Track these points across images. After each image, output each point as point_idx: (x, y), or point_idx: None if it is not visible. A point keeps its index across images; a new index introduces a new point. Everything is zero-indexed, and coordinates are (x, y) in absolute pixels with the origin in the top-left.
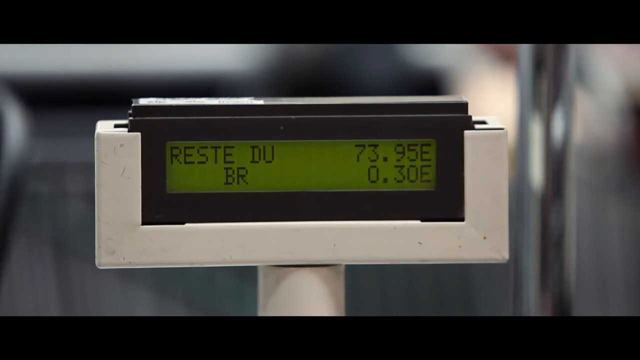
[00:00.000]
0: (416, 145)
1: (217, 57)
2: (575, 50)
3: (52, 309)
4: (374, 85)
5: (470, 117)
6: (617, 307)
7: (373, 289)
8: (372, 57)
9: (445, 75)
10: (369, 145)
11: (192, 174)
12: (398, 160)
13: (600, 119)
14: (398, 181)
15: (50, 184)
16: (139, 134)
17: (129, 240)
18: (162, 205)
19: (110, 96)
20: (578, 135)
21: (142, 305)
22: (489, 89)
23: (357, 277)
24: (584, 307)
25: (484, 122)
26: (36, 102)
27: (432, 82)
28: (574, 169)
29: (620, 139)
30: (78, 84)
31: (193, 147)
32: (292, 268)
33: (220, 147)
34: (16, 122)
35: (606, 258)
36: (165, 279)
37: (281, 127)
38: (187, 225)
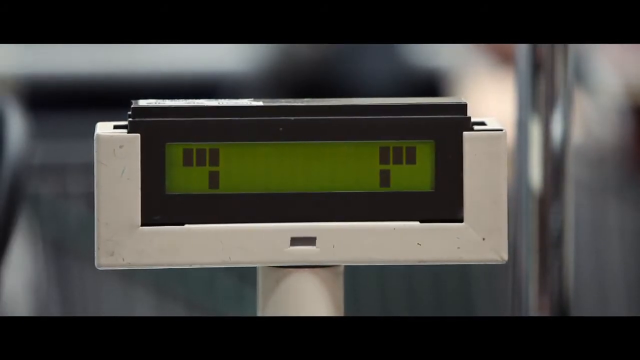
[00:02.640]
0: (415, 146)
1: (219, 58)
2: (574, 51)
3: (52, 310)
4: (375, 86)
5: (469, 118)
6: (617, 308)
7: (373, 289)
8: (372, 57)
9: (445, 76)
10: (368, 147)
11: (192, 175)
12: (397, 161)
13: (599, 120)
14: (397, 182)
15: (52, 185)
16: (139, 135)
17: (129, 242)
18: (161, 207)
19: (111, 97)
20: (578, 136)
21: (142, 306)
22: (489, 90)
23: (357, 277)
24: (584, 307)
25: (483, 124)
26: (38, 103)
27: (432, 83)
28: (572, 169)
29: (620, 139)
30: (80, 85)
31: (192, 149)
32: (292, 269)
33: (219, 149)
34: (17, 124)
35: (606, 259)
36: (166, 280)
37: (280, 129)
38: (187, 226)
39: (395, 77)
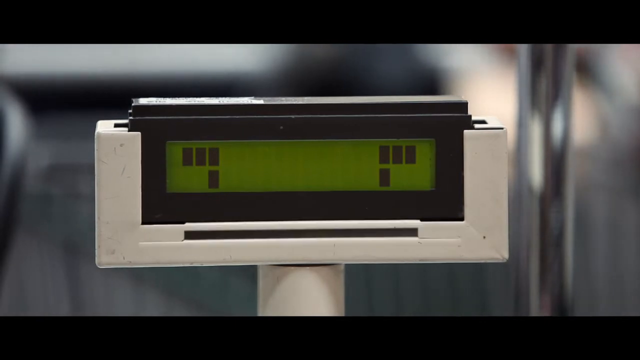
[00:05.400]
0: (415, 144)
1: (233, 58)
2: (573, 49)
3: (62, 310)
4: (389, 86)
5: (470, 116)
6: (633, 309)
7: (386, 289)
8: (387, 57)
9: (450, 76)
10: (368, 146)
11: (192, 173)
12: (397, 160)
13: (615, 120)
14: (397, 181)
15: (61, 186)
16: (139, 133)
17: (129, 240)
18: (162, 205)
19: (122, 98)
20: (593, 136)
21: (152, 307)
22: (489, 89)
23: (370, 277)
24: (599, 308)
25: (483, 122)
26: (47, 104)
27: (439, 83)
28: (573, 168)
29: (636, 139)
30: (90, 85)
31: (192, 148)
32: (292, 267)
33: (219, 147)
34: (17, 123)
35: (622, 259)
36: (176, 281)
37: (281, 127)
38: (187, 224)
39: (407, 76)
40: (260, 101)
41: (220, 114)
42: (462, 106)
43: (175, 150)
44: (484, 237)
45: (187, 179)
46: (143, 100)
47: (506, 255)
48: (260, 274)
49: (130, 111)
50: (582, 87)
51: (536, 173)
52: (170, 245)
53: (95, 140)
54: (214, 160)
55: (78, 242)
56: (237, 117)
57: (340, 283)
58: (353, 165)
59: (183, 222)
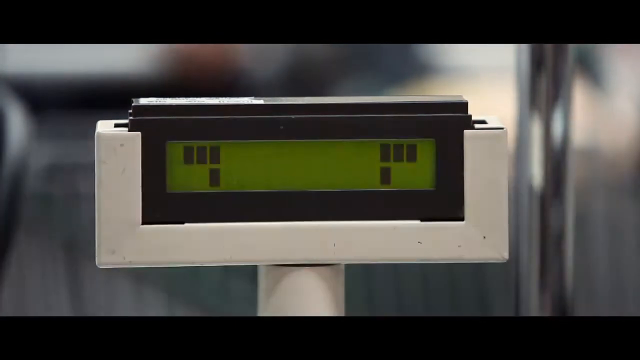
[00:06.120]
0: (416, 144)
1: (233, 58)
2: (573, 49)
3: (62, 310)
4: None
5: (470, 116)
6: (633, 309)
7: (388, 289)
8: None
9: (450, 75)
10: (369, 145)
11: (192, 173)
12: (397, 159)
13: (617, 121)
14: (398, 180)
15: (61, 186)
16: (139, 133)
17: (129, 240)
18: (162, 205)
19: (121, 98)
20: (595, 137)
21: (153, 307)
22: (489, 89)
23: (372, 277)
24: (599, 308)
25: (483, 122)
26: (47, 104)
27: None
28: (573, 167)
29: (637, 140)
30: (90, 85)
31: (193, 146)
32: (292, 267)
33: (220, 147)
34: (18, 123)
35: (622, 259)
36: (176, 282)
37: (281, 127)
38: (187, 224)
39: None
40: (260, 101)
41: (221, 114)
42: (463, 106)
43: (175, 149)
44: (484, 237)
45: (188, 177)
46: (143, 100)
47: (506, 255)
48: (261, 274)
49: (130, 111)
50: (582, 87)
51: (536, 173)
52: (170, 245)
53: (96, 140)
54: (215, 160)
55: (78, 242)
56: (237, 117)
57: (340, 283)
58: (354, 163)
59: (183, 222)
